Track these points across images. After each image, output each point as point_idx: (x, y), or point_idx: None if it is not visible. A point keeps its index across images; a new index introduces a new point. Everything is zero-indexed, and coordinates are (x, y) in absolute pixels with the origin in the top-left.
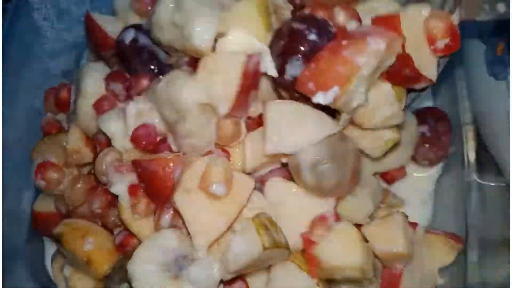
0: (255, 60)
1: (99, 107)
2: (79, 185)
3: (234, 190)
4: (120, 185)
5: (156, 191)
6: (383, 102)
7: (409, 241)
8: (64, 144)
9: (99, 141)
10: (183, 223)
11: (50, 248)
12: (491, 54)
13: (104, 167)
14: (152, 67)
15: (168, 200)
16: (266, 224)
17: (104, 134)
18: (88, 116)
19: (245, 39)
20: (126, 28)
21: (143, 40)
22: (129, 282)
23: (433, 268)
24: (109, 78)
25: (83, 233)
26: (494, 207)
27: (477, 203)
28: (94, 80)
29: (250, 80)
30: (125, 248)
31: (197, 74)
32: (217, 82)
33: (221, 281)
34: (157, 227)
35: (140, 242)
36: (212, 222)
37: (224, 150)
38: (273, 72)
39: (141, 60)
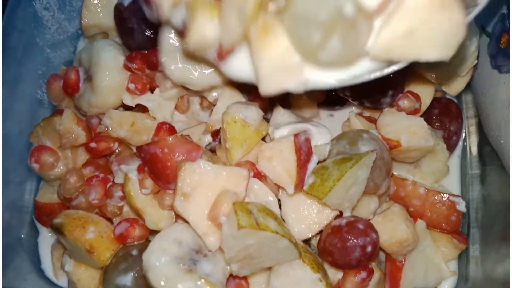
0: (303, 137)
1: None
2: (71, 179)
3: (230, 184)
4: (128, 166)
5: (158, 172)
6: None
7: (411, 227)
8: (58, 126)
9: (91, 124)
10: None
11: (45, 240)
12: (495, 46)
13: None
14: (147, 25)
15: (170, 180)
16: (250, 209)
17: (97, 117)
18: (109, 90)
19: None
20: None
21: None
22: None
23: (439, 263)
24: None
25: (84, 223)
26: (495, 201)
27: (479, 196)
28: (111, 54)
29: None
30: (126, 239)
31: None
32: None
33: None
34: (162, 207)
35: (143, 224)
36: None
37: None
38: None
39: (137, 20)
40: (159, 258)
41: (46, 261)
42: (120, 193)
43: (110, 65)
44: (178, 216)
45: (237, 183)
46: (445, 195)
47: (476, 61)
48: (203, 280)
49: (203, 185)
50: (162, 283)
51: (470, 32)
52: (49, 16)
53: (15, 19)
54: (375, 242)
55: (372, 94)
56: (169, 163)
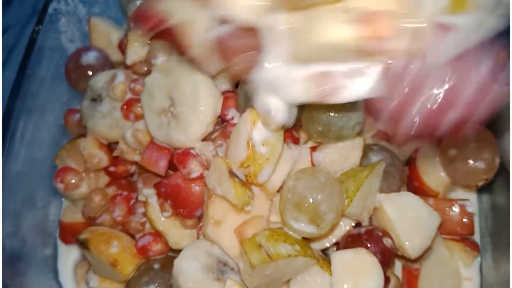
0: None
1: None
2: (96, 198)
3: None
4: (148, 190)
5: (183, 202)
6: None
7: None
8: (82, 148)
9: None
10: None
11: (67, 259)
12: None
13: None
14: None
15: (196, 207)
16: (259, 242)
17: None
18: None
19: None
20: None
21: None
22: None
23: (455, 270)
24: None
25: (108, 238)
26: (504, 209)
27: (488, 205)
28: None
29: None
30: (148, 252)
31: None
32: None
33: None
34: (184, 226)
35: (165, 240)
36: None
37: None
38: None
39: None
40: (190, 264)
41: (67, 281)
42: (142, 209)
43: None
44: (199, 235)
45: (261, 204)
46: (454, 201)
47: None
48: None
49: (232, 210)
50: (192, 286)
51: None
52: (73, 48)
53: (44, 51)
54: (392, 248)
55: None
56: (193, 190)
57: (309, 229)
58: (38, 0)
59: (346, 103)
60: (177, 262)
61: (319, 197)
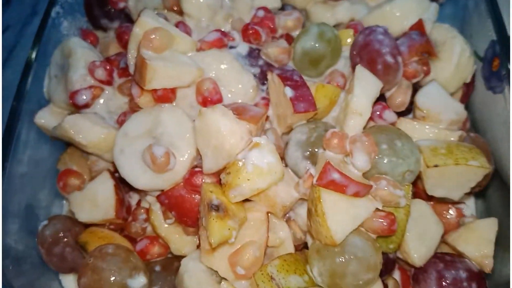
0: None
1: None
2: None
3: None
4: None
5: (187, 212)
6: None
7: None
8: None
9: None
10: None
11: None
12: (488, 70)
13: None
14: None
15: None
16: (270, 274)
17: None
18: None
19: None
20: None
21: None
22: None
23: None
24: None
25: (107, 242)
26: (496, 214)
27: (481, 210)
28: None
29: None
30: (145, 255)
31: None
32: None
33: None
34: (186, 233)
35: (166, 245)
36: None
37: None
38: None
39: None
40: (196, 265)
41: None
42: (144, 216)
43: None
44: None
45: (257, 228)
46: (450, 205)
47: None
48: None
49: None
50: (195, 285)
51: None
52: None
53: (47, 53)
54: (394, 258)
55: None
56: (196, 201)
57: None
58: (37, 0)
59: None
60: (185, 261)
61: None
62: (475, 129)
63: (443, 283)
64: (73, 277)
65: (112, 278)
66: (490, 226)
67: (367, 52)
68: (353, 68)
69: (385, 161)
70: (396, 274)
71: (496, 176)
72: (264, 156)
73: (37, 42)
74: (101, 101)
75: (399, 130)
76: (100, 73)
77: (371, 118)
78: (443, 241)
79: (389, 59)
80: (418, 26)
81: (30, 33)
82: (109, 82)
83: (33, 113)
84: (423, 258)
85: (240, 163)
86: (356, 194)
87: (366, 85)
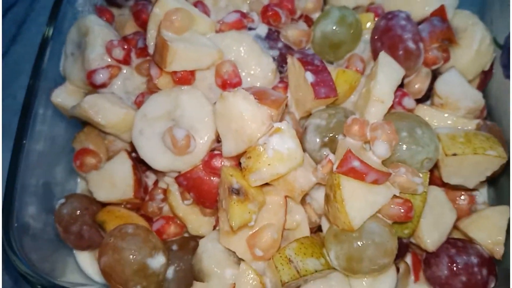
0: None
1: None
2: None
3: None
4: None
5: (205, 194)
6: None
7: None
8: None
9: None
10: None
11: None
12: (507, 57)
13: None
14: None
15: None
16: (289, 256)
17: None
18: None
19: None
20: None
21: None
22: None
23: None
24: None
25: (124, 221)
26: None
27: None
28: None
29: None
30: (162, 234)
31: None
32: None
33: None
34: (203, 214)
35: (182, 225)
36: None
37: None
38: None
39: None
40: (215, 246)
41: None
42: (161, 196)
43: None
44: (217, 222)
45: (275, 212)
46: (463, 191)
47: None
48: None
49: None
50: (213, 265)
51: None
52: None
53: (62, 29)
54: (408, 243)
55: None
56: (215, 183)
57: None
58: None
59: None
60: (203, 241)
61: None
62: (491, 117)
63: (455, 268)
64: (88, 254)
65: (133, 258)
66: (502, 213)
67: (388, 37)
68: (373, 52)
69: (404, 149)
70: (408, 258)
71: (508, 164)
72: (285, 141)
73: (53, 19)
74: (118, 81)
75: (419, 117)
76: (118, 53)
77: None
78: (454, 227)
79: (411, 45)
80: (440, 12)
81: (39, 7)
82: (126, 62)
83: (49, 91)
84: (436, 243)
85: (261, 148)
86: (375, 182)
87: (389, 72)
